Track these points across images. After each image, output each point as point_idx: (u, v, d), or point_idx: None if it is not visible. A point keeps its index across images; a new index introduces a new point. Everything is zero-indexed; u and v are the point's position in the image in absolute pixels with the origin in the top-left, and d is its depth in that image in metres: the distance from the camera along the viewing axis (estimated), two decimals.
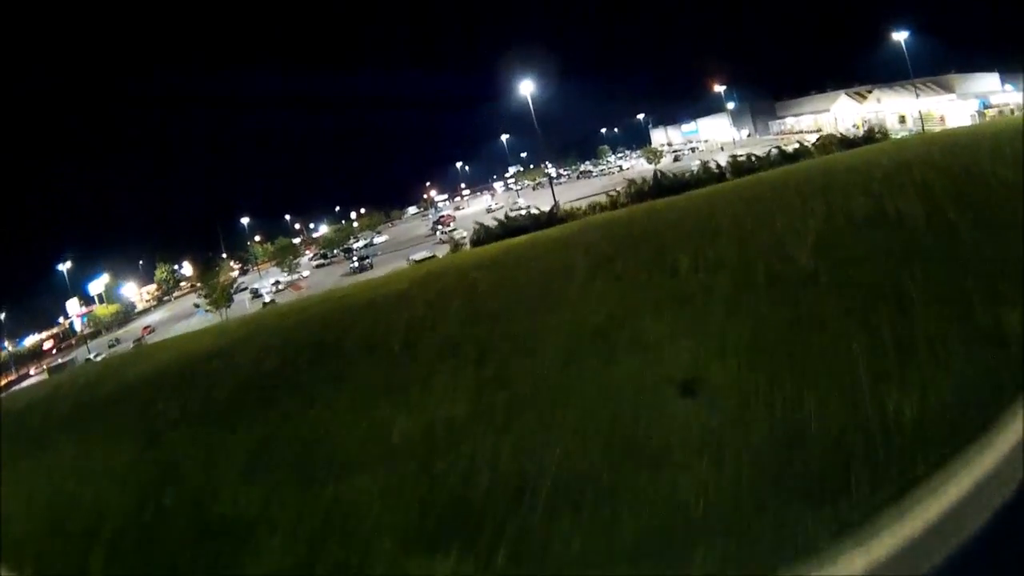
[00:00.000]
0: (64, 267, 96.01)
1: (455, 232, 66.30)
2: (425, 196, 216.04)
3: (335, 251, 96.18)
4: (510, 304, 8.94)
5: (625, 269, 8.68)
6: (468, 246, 23.33)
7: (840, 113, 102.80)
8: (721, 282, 7.02)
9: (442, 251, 62.68)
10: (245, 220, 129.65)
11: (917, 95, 75.11)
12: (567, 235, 14.18)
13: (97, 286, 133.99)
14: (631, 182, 21.77)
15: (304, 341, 10.54)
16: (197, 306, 59.30)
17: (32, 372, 78.74)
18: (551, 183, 51.45)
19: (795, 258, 6.95)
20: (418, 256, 46.56)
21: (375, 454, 5.77)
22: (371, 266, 65.34)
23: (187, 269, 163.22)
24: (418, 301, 11.03)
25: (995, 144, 12.15)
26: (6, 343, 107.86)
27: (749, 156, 23.71)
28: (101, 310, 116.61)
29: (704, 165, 21.86)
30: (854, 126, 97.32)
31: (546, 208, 74.19)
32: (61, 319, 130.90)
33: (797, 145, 50.13)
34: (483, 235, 22.14)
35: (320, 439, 6.35)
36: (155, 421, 8.41)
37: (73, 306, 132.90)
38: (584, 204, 42.99)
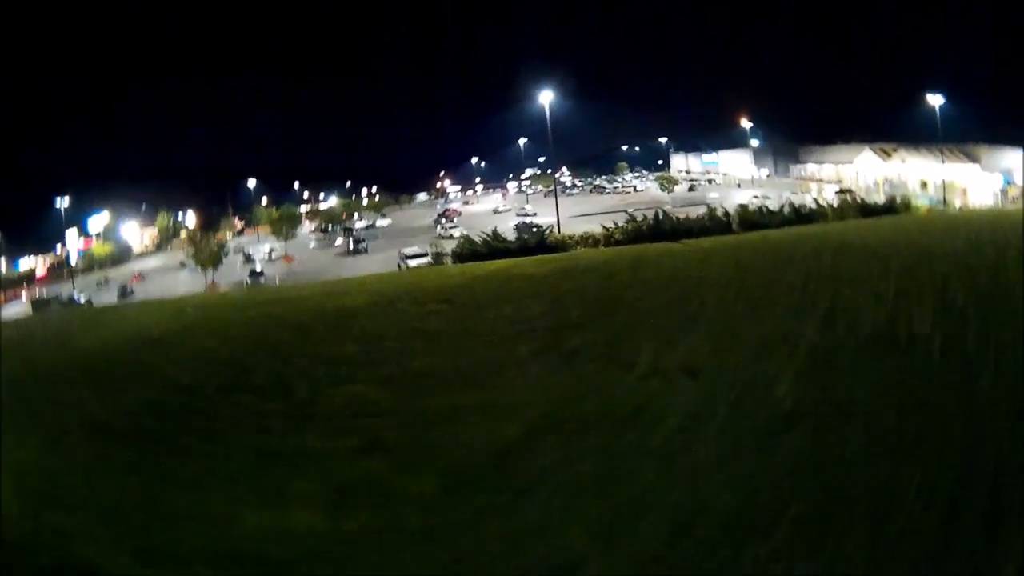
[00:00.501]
0: (62, 201, 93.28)
1: (455, 229, 65.11)
2: (439, 185, 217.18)
3: (336, 227, 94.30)
4: (443, 368, 7.59)
5: (578, 349, 7.31)
6: (450, 259, 21.95)
7: (863, 168, 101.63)
8: (676, 397, 5.67)
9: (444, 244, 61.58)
10: (252, 182, 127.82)
11: (943, 161, 73.61)
12: (540, 277, 12.78)
13: (97, 223, 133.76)
14: (630, 218, 20.35)
15: (225, 361, 9.12)
16: (183, 264, 57.92)
17: (23, 297, 77.93)
18: (557, 196, 49.83)
19: (773, 388, 5.62)
20: (409, 251, 45.11)
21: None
22: (367, 250, 64.55)
23: (191, 219, 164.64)
24: (353, 331, 9.81)
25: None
26: (2, 262, 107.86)
27: (761, 208, 22.35)
28: (98, 248, 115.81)
29: (711, 211, 20.43)
30: (875, 183, 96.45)
31: (550, 219, 74.13)
32: (59, 247, 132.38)
33: (813, 203, 49.10)
34: (466, 249, 20.76)
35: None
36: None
37: (72, 237, 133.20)
38: (579, 231, 41.94)
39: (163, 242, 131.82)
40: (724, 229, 19.68)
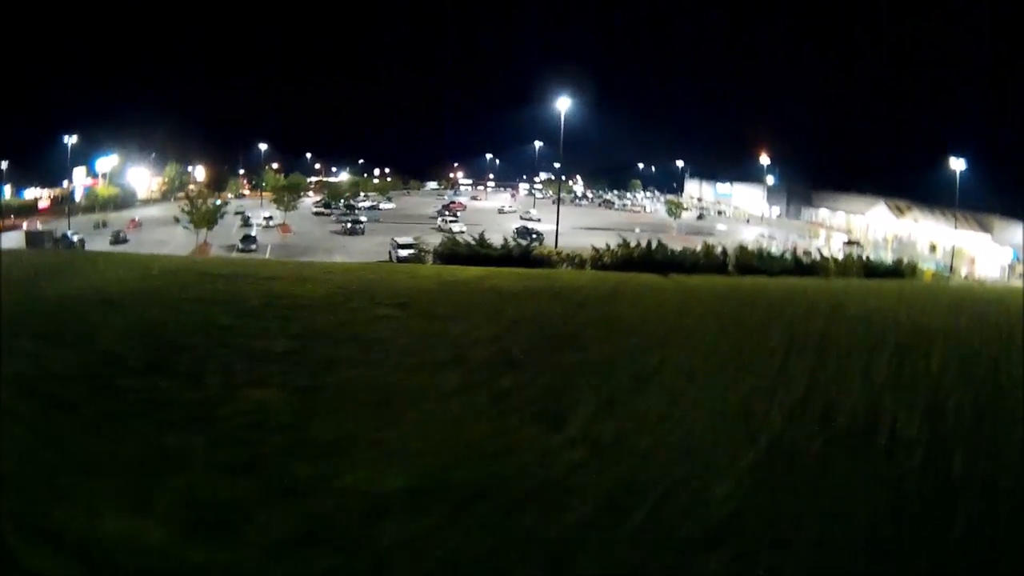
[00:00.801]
0: (70, 138, 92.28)
1: (455, 224, 64.22)
2: (452, 175, 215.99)
3: (339, 204, 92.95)
4: (363, 386, 6.73)
5: (509, 391, 6.42)
6: (431, 258, 20.90)
7: (874, 221, 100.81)
8: (597, 478, 4.73)
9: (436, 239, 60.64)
10: (263, 146, 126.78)
11: (956, 227, 72.74)
12: (506, 295, 11.86)
13: (105, 164, 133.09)
14: (624, 243, 19.34)
15: (161, 337, 8.42)
16: (177, 220, 56.63)
17: (24, 226, 76.91)
18: (559, 206, 48.77)
19: (713, 487, 4.65)
20: (402, 241, 43.88)
21: None
22: (363, 231, 63.05)
23: (201, 173, 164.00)
24: (295, 326, 9.26)
25: None
26: (6, 189, 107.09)
27: (761, 251, 21.33)
28: (102, 189, 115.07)
29: (708, 248, 19.42)
30: (884, 239, 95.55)
31: (553, 227, 73.43)
32: (65, 183, 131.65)
33: (817, 252, 48.12)
34: (449, 250, 19.77)
35: None
36: None
37: (80, 175, 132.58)
38: (578, 243, 41.04)
39: (169, 192, 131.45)
40: (719, 268, 18.73)
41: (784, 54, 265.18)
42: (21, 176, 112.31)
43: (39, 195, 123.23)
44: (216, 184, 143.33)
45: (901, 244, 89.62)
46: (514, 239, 58.67)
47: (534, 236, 56.14)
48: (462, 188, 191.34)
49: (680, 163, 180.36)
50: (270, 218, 73.03)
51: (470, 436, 5.74)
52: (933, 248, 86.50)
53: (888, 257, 72.67)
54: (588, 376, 7.25)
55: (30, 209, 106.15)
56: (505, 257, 18.64)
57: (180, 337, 8.97)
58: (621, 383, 6.99)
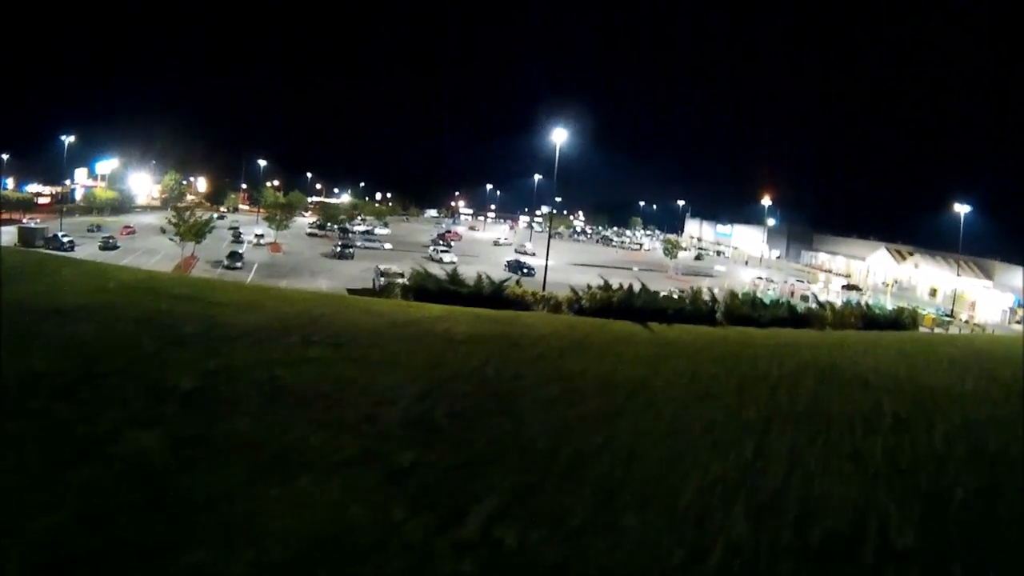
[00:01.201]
0: (68, 139, 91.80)
1: (446, 254, 63.07)
2: (453, 203, 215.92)
3: (333, 225, 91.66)
4: (210, 457, 5.32)
5: (398, 476, 5.10)
6: (399, 290, 19.39)
7: (875, 265, 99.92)
8: None
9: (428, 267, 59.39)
10: (263, 162, 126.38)
11: (958, 273, 71.64)
12: (454, 342, 10.55)
13: (104, 167, 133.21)
14: (604, 285, 17.99)
15: (69, 364, 7.29)
16: (163, 230, 55.29)
17: (24, 220, 76.48)
18: (549, 241, 47.50)
19: None
20: (385, 268, 42.66)
21: None
22: (352, 256, 62.26)
23: (203, 183, 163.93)
24: (203, 363, 8.02)
25: None
26: (8, 182, 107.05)
27: (754, 299, 19.99)
28: (100, 191, 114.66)
29: (696, 294, 18.08)
30: (883, 283, 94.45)
31: (549, 261, 72.24)
32: (68, 181, 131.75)
33: (814, 298, 46.82)
34: (418, 285, 18.38)
35: None
36: None
37: (82, 175, 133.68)
38: (571, 279, 39.75)
39: (168, 200, 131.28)
40: (706, 318, 17.34)
41: (788, 96, 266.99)
42: (24, 170, 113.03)
43: (41, 191, 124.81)
44: (214, 196, 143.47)
45: (901, 288, 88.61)
46: (507, 271, 57.56)
47: (525, 271, 54.86)
48: (462, 217, 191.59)
49: (681, 202, 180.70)
50: (261, 236, 71.89)
51: (341, 524, 4.42)
52: (933, 293, 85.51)
53: (888, 302, 71.43)
54: (512, 454, 5.87)
55: (28, 204, 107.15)
56: (475, 295, 17.26)
57: (103, 360, 8.11)
58: (551, 467, 5.60)
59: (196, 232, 55.10)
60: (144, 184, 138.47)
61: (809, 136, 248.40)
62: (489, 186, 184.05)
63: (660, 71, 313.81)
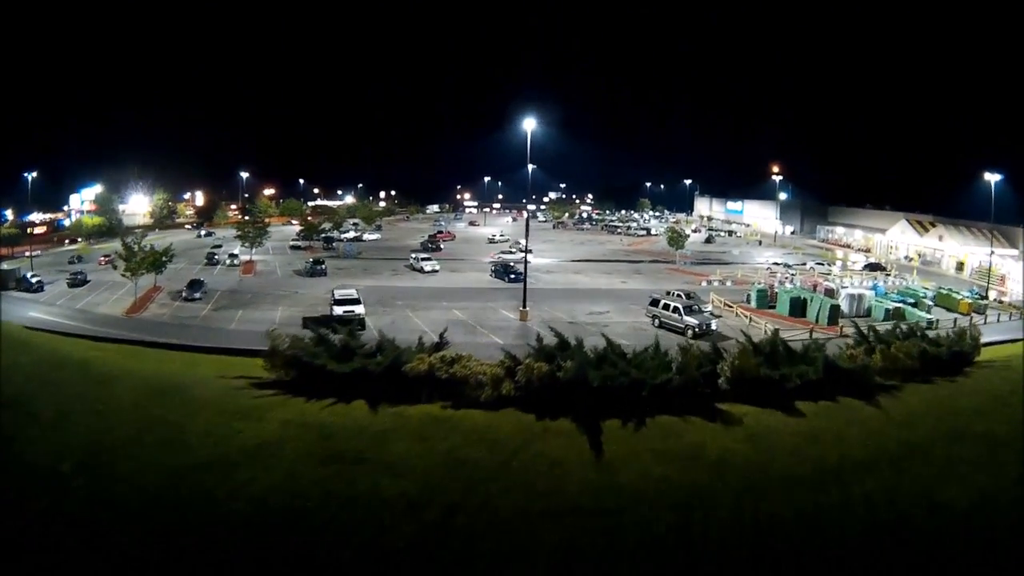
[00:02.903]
0: (31, 175, 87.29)
1: (428, 263, 57.36)
2: (458, 196, 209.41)
3: (319, 235, 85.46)
4: None
5: None
6: (280, 361, 14.27)
7: (896, 239, 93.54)
8: None
9: (401, 281, 54.03)
10: (246, 174, 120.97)
11: (991, 247, 65.25)
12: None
13: (88, 194, 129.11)
14: (546, 353, 12.64)
15: None
16: (115, 266, 49.95)
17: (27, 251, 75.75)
18: (528, 232, 41.51)
19: None
20: (341, 296, 37.34)
21: None
22: (325, 272, 55.83)
23: (200, 199, 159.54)
24: None
25: None
26: (8, 213, 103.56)
27: (774, 348, 14.65)
28: (86, 220, 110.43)
29: (692, 358, 12.64)
30: (907, 258, 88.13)
31: (545, 259, 65.93)
32: (66, 207, 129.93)
33: (842, 299, 41.33)
34: (301, 356, 13.24)
35: None
36: None
37: (76, 201, 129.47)
38: (525, 303, 34.75)
39: (156, 222, 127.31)
40: (706, 386, 12.02)
41: (795, 61, 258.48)
42: (22, 199, 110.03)
43: (39, 219, 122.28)
44: (205, 212, 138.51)
45: (925, 263, 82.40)
46: (492, 272, 51.88)
47: (511, 276, 49.50)
48: (466, 210, 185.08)
49: (688, 181, 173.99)
50: (235, 255, 66.67)
51: None
52: (960, 267, 79.26)
53: (915, 281, 65.89)
54: None
55: (14, 240, 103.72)
56: (361, 375, 12.14)
57: None
58: None
59: (152, 263, 49.72)
60: (141, 205, 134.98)
61: (819, 102, 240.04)
62: (487, 178, 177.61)
63: (663, 45, 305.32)
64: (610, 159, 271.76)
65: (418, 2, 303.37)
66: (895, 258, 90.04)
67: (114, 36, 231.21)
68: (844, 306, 41.66)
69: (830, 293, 43.91)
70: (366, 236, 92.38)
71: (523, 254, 76.27)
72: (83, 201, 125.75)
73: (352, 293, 37.55)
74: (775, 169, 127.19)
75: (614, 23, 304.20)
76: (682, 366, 12.24)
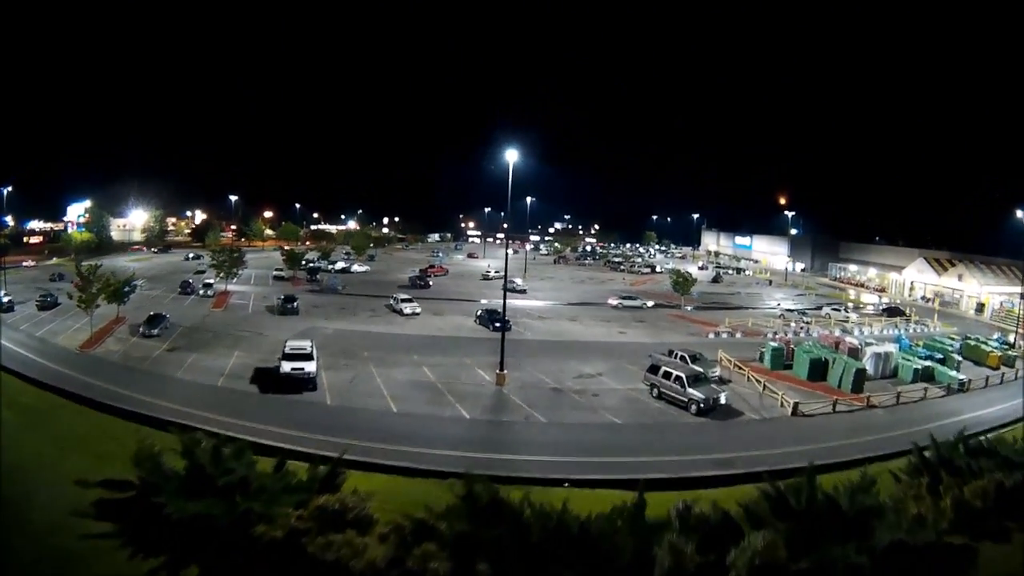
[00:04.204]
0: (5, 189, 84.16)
1: (408, 305, 52.08)
2: (462, 224, 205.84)
3: (303, 264, 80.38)
4: None
5: None
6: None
7: (914, 276, 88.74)
8: None
9: (376, 325, 49.24)
10: (234, 198, 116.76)
11: (1023, 296, 60.01)
12: None
13: (76, 210, 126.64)
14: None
15: None
16: (70, 296, 45.66)
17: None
18: (504, 295, 36.57)
19: None
20: (293, 347, 32.44)
21: None
22: (297, 311, 51.42)
23: (200, 217, 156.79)
24: None
25: None
26: (9, 220, 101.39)
27: (803, 546, 9.68)
28: (75, 235, 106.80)
29: (684, 557, 7.62)
30: (923, 298, 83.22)
31: (539, 302, 61.09)
32: (64, 217, 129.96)
33: (867, 360, 36.60)
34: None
35: None
36: None
37: (73, 211, 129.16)
38: (502, 366, 30.00)
39: (148, 240, 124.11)
40: None
41: (807, 92, 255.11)
42: (24, 206, 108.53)
43: (38, 228, 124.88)
44: (198, 234, 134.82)
45: (943, 304, 77.42)
46: (478, 321, 46.76)
47: (496, 325, 44.35)
48: (469, 239, 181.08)
49: (695, 216, 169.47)
50: (210, 285, 62.26)
51: None
52: (980, 308, 74.34)
53: (936, 326, 61.69)
54: None
55: (25, 244, 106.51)
56: (204, 525, 7.59)
57: None
58: None
59: (113, 293, 45.72)
60: (139, 221, 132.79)
61: (830, 134, 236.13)
62: (487, 209, 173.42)
63: (674, 74, 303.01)
64: (617, 189, 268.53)
65: (429, 29, 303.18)
66: (911, 299, 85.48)
67: (121, 48, 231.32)
68: (869, 367, 36.73)
69: (854, 353, 38.84)
70: (355, 268, 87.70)
71: (523, 293, 72.58)
72: (80, 214, 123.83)
73: (305, 347, 32.61)
74: (783, 201, 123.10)
75: (620, 48, 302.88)
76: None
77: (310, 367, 30.60)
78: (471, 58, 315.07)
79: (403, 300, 53.79)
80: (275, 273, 76.94)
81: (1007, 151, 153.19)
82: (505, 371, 32.95)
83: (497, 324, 43.00)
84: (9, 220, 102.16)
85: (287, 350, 32.14)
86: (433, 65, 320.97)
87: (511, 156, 33.70)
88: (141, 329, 42.87)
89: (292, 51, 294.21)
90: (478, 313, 50.80)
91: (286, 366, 30.48)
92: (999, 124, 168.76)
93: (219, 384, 31.50)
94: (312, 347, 32.73)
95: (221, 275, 64.13)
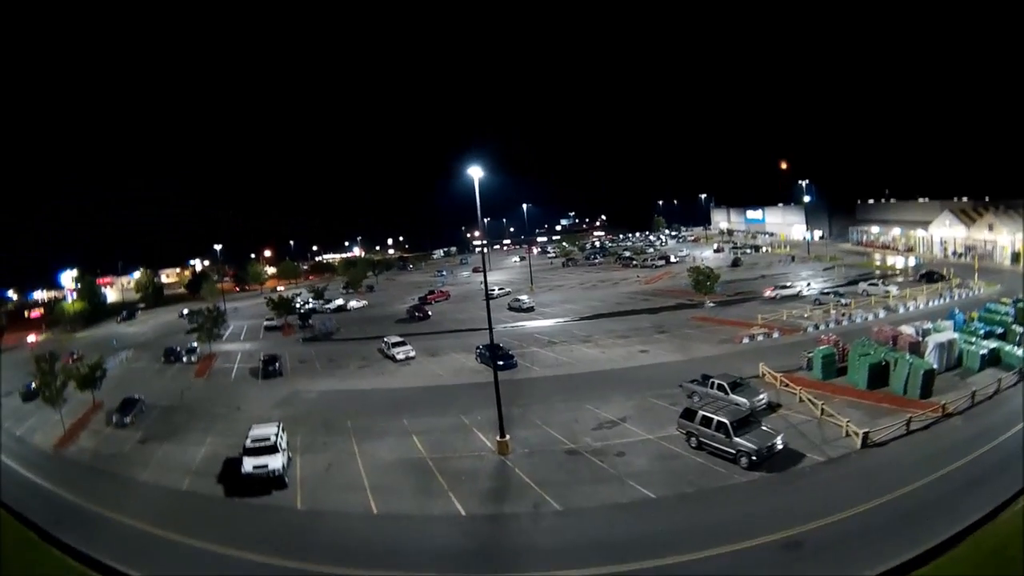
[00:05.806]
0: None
1: (399, 349, 46.33)
2: (467, 235, 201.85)
3: (297, 307, 74.62)
4: None
5: None
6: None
7: (942, 231, 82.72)
8: None
9: (365, 378, 44.21)
10: (218, 247, 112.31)
11: None
12: None
13: (66, 279, 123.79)
14: None
15: None
16: (28, 392, 41.62)
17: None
18: (488, 307, 30.99)
19: None
20: (256, 438, 27.15)
21: None
22: (279, 372, 46.71)
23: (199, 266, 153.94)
24: None
25: None
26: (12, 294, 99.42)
27: None
28: (68, 305, 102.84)
29: None
30: (955, 253, 77.55)
31: (545, 321, 51.36)
32: (63, 287, 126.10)
33: (931, 354, 31.15)
34: None
35: None
36: None
37: (67, 279, 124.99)
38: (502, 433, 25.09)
39: (141, 300, 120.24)
40: None
41: (810, 46, 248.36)
42: (15, 277, 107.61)
43: (40, 298, 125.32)
44: (194, 285, 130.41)
45: (976, 257, 71.49)
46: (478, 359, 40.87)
47: (501, 362, 38.79)
48: (476, 250, 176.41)
49: (703, 196, 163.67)
50: (193, 350, 57.63)
51: None
52: (1016, 257, 68.53)
53: (980, 289, 54.55)
54: None
55: (24, 319, 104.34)
56: None
57: None
58: None
59: (84, 381, 41.75)
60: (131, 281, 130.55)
61: (836, 85, 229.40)
62: (487, 219, 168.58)
63: (672, 46, 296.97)
64: (622, 178, 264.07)
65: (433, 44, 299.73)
66: (939, 254, 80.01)
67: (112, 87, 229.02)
68: (933, 361, 31.24)
69: (915, 348, 33.18)
70: (352, 304, 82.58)
71: (530, 310, 66.57)
72: (76, 283, 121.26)
73: (269, 437, 27.30)
74: (787, 167, 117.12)
75: (615, 36, 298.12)
76: None
77: (275, 463, 25.67)
78: (471, 58, 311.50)
79: (395, 344, 48.13)
80: (266, 323, 72.25)
81: (1012, 86, 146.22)
82: (507, 437, 27.35)
83: (500, 362, 37.55)
84: (12, 294, 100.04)
85: (248, 443, 27.02)
86: (432, 67, 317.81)
87: (475, 173, 28.84)
88: (113, 418, 38.87)
89: (280, 81, 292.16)
90: (478, 349, 45.43)
91: (248, 464, 25.62)
92: (1001, 58, 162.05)
93: (184, 487, 27.20)
94: (278, 434, 27.75)
95: (201, 340, 59.18)
